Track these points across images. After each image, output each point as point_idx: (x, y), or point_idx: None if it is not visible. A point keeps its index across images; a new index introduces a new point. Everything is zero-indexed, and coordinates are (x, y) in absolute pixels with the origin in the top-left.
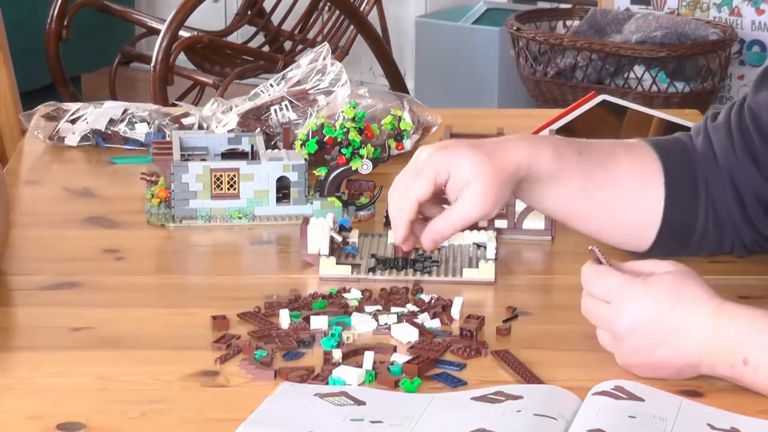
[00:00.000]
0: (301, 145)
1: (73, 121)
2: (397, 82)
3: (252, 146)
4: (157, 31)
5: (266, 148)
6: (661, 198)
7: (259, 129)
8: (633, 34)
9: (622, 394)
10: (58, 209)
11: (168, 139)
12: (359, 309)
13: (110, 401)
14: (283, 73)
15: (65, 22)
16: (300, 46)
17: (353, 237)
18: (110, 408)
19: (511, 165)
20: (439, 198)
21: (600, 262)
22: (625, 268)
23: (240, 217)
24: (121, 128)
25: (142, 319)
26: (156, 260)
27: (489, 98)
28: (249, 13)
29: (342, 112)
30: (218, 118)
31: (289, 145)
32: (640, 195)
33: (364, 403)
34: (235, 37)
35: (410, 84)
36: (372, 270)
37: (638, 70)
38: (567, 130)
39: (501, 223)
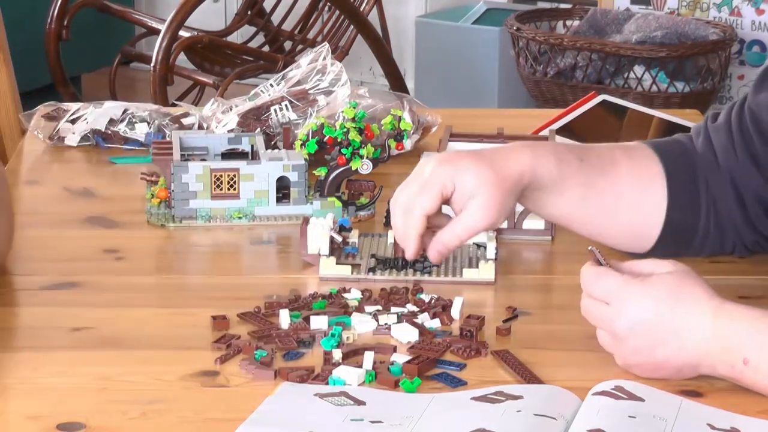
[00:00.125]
0: (301, 145)
1: (73, 121)
2: (397, 82)
3: (252, 146)
4: (157, 31)
5: (266, 148)
6: (663, 201)
7: (259, 129)
8: (633, 34)
9: (622, 394)
10: (58, 209)
11: (168, 139)
12: (359, 309)
13: (110, 401)
14: (283, 73)
15: (65, 22)
16: (300, 46)
17: (353, 237)
18: (110, 408)
19: (514, 174)
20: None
21: (599, 263)
22: (624, 268)
23: (240, 217)
24: (121, 128)
25: (142, 319)
26: (156, 260)
27: (489, 98)
28: (249, 13)
29: (342, 112)
30: (218, 118)
31: (289, 145)
32: (642, 198)
33: (364, 403)
34: (235, 37)
35: (410, 84)
36: (372, 270)
37: (638, 70)
38: (567, 130)
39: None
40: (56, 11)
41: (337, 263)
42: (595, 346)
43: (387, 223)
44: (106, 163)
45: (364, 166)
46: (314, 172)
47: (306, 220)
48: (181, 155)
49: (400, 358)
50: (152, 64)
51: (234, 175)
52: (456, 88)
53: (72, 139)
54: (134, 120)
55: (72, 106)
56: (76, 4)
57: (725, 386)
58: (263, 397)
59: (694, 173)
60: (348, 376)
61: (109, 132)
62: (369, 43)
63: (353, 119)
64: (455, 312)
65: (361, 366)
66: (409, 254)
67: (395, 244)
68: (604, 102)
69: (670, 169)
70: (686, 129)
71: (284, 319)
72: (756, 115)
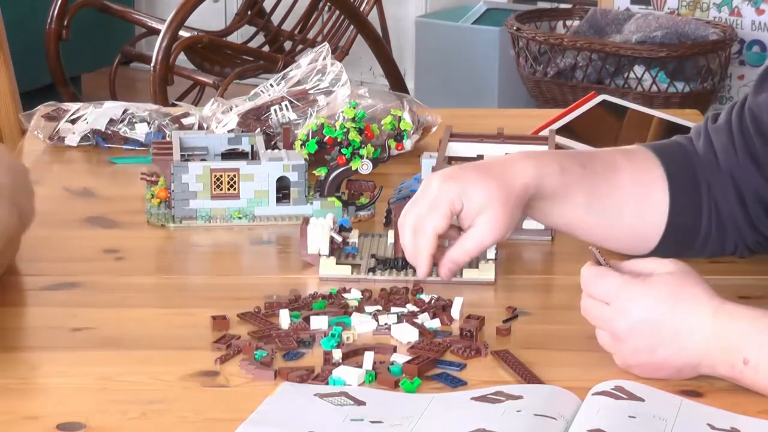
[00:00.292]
0: (301, 145)
1: (73, 121)
2: (397, 82)
3: (252, 146)
4: (157, 31)
5: (266, 148)
6: (665, 204)
7: (259, 129)
8: (633, 34)
9: (622, 394)
10: (58, 209)
11: (168, 139)
12: (359, 309)
13: (110, 401)
14: (283, 73)
15: (65, 22)
16: (300, 46)
17: (353, 237)
18: (110, 408)
19: (520, 187)
20: None
21: (599, 263)
22: (624, 268)
23: (240, 217)
24: (121, 128)
25: (142, 319)
26: (156, 260)
27: (489, 98)
28: (249, 13)
29: (342, 112)
30: (218, 118)
31: (289, 145)
32: (644, 202)
33: (364, 403)
34: (235, 37)
35: (410, 84)
36: (372, 270)
37: (638, 70)
38: (567, 130)
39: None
40: (56, 11)
41: (337, 263)
42: (595, 346)
43: (387, 224)
44: (106, 163)
45: (364, 166)
46: (314, 172)
47: (306, 220)
48: (181, 155)
49: (400, 358)
50: (152, 64)
51: (234, 175)
52: (456, 88)
53: (72, 139)
54: (134, 120)
55: (72, 106)
56: (76, 4)
57: (725, 386)
58: (263, 397)
59: (694, 175)
60: (348, 376)
61: (109, 132)
62: (369, 43)
63: (353, 119)
64: (455, 312)
65: (361, 366)
66: (422, 274)
67: (395, 244)
68: (604, 102)
69: (671, 172)
70: (686, 129)
71: (284, 319)
72: (756, 116)
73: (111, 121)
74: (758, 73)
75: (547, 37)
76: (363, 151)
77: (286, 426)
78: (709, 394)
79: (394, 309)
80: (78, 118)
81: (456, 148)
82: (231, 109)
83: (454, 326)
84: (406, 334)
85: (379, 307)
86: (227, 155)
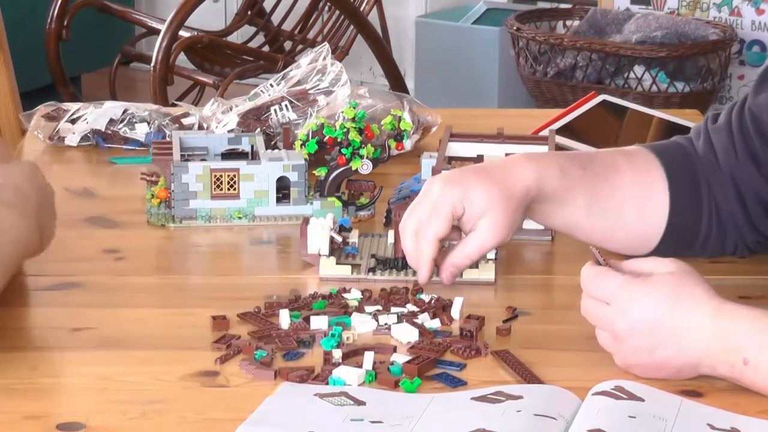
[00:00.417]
0: (301, 145)
1: (73, 121)
2: (397, 82)
3: (252, 146)
4: (157, 31)
5: (266, 148)
6: (665, 205)
7: (259, 129)
8: (633, 34)
9: (622, 394)
10: (58, 209)
11: (168, 139)
12: (359, 309)
13: (110, 401)
14: (283, 73)
15: (65, 22)
16: (300, 46)
17: (353, 237)
18: (110, 408)
19: (521, 190)
20: None
21: (599, 263)
22: (625, 267)
23: (240, 217)
24: (121, 128)
25: (142, 319)
26: (156, 260)
27: (489, 98)
28: (249, 13)
29: (342, 112)
30: (218, 118)
31: (289, 145)
32: (645, 204)
33: (364, 403)
34: (235, 37)
35: (410, 84)
36: (372, 270)
37: (638, 70)
38: (567, 130)
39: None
40: (56, 11)
41: (337, 263)
42: (595, 346)
43: (387, 224)
44: (106, 163)
45: (364, 166)
46: (314, 172)
47: (306, 220)
48: (181, 155)
49: (400, 358)
50: (152, 64)
51: (234, 175)
52: (456, 88)
53: (72, 139)
54: (134, 120)
55: (72, 106)
56: (76, 4)
57: (725, 386)
58: (263, 397)
59: (695, 176)
60: (348, 376)
61: (109, 132)
62: (369, 43)
63: (353, 119)
64: (455, 312)
65: (361, 366)
66: (423, 278)
67: (395, 244)
68: (604, 102)
69: (671, 173)
70: (686, 129)
71: (284, 319)
72: (756, 116)
73: (111, 121)
74: (758, 74)
75: (547, 37)
76: (363, 151)
77: (286, 426)
78: (709, 394)
79: (394, 309)
80: (78, 118)
81: (456, 148)
82: (231, 109)
83: (454, 326)
84: (406, 334)
85: (379, 307)
86: (227, 155)
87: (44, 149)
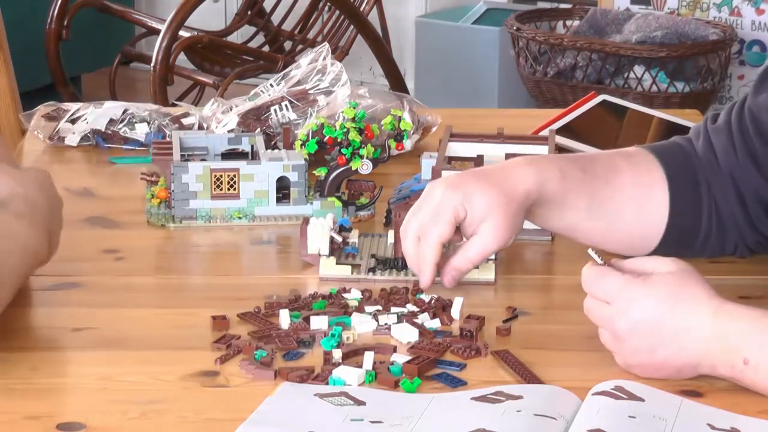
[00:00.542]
0: (301, 145)
1: (73, 121)
2: (397, 82)
3: (252, 146)
4: (157, 31)
5: (266, 148)
6: (665, 206)
7: (259, 129)
8: (633, 34)
9: (622, 394)
10: None
11: (168, 139)
12: (359, 309)
13: (110, 401)
14: (283, 73)
15: (65, 22)
16: (300, 46)
17: (353, 237)
18: (110, 408)
19: (521, 193)
20: None
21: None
22: (625, 267)
23: (240, 217)
24: (121, 128)
25: (142, 319)
26: (156, 260)
27: (489, 98)
28: (249, 13)
29: (342, 112)
30: (218, 118)
31: (289, 145)
32: (645, 205)
33: (364, 403)
34: (235, 37)
35: (410, 84)
36: (372, 270)
37: (638, 70)
38: (567, 130)
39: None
40: (56, 11)
41: (337, 263)
42: (595, 346)
43: (387, 224)
44: (106, 163)
45: (364, 166)
46: (314, 172)
47: (306, 220)
48: (181, 155)
49: (400, 358)
50: (152, 64)
51: (234, 175)
52: (456, 88)
53: (72, 139)
54: (134, 120)
55: (72, 106)
56: (76, 4)
57: (725, 386)
58: (263, 397)
59: (694, 176)
60: (348, 376)
61: (109, 132)
62: (369, 43)
63: (353, 119)
64: (455, 312)
65: (361, 366)
66: (426, 283)
67: (395, 244)
68: (604, 102)
69: (671, 174)
70: (686, 129)
71: (284, 319)
72: (756, 117)
73: (111, 121)
74: (758, 74)
75: (547, 37)
76: (363, 151)
77: (286, 426)
78: (709, 394)
79: (394, 309)
80: (78, 118)
81: (456, 148)
82: (231, 109)
83: (454, 326)
84: (406, 334)
85: (379, 307)
86: (227, 155)
87: (44, 149)
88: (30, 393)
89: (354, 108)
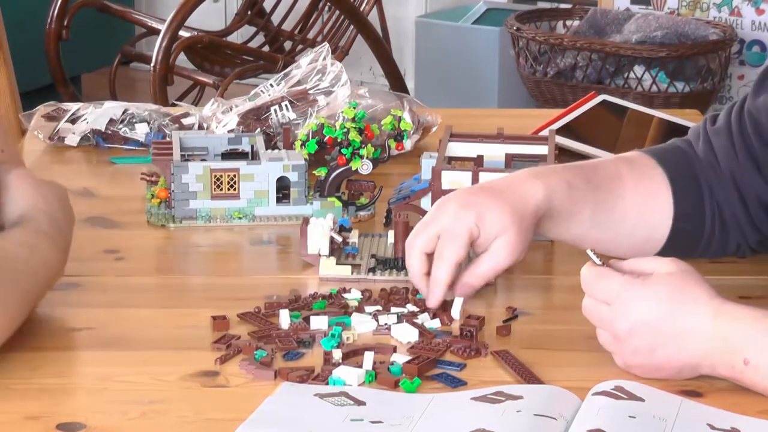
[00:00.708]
0: (301, 146)
1: (73, 121)
2: (397, 82)
3: (252, 146)
4: (157, 31)
5: (266, 149)
6: (669, 210)
7: (259, 129)
8: (633, 34)
9: (622, 394)
10: None
11: (168, 139)
12: (359, 309)
13: (110, 401)
14: (283, 73)
15: (65, 22)
16: (300, 46)
17: (353, 237)
18: (110, 408)
19: (531, 209)
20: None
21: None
22: (625, 267)
23: (240, 218)
24: (121, 128)
25: (142, 319)
26: (156, 260)
27: (489, 98)
28: (249, 13)
29: (342, 112)
30: (218, 118)
31: (289, 145)
32: (648, 210)
33: (364, 403)
34: (235, 37)
35: (410, 84)
36: (372, 270)
37: (638, 70)
38: (567, 130)
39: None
40: (56, 11)
41: (337, 263)
42: (595, 346)
43: (387, 224)
44: (106, 163)
45: (364, 166)
46: (314, 172)
47: (306, 221)
48: (181, 155)
49: (400, 358)
50: (152, 64)
51: (234, 176)
52: (456, 88)
53: (72, 139)
54: (134, 120)
55: (72, 106)
56: (76, 4)
57: (725, 386)
58: (263, 397)
59: (696, 179)
60: (348, 376)
61: (109, 132)
62: (369, 43)
63: (353, 119)
64: (455, 312)
65: (361, 366)
66: (435, 302)
67: (395, 244)
68: (604, 102)
69: (673, 178)
70: (686, 129)
71: (284, 319)
72: (755, 118)
73: (111, 121)
74: (757, 74)
75: (547, 37)
76: (363, 151)
77: (286, 426)
78: (709, 394)
79: (394, 309)
80: (78, 118)
81: (456, 148)
82: (231, 109)
83: (454, 326)
84: (406, 334)
85: (379, 307)
86: (227, 155)
87: (44, 149)
88: (30, 393)
89: (354, 108)
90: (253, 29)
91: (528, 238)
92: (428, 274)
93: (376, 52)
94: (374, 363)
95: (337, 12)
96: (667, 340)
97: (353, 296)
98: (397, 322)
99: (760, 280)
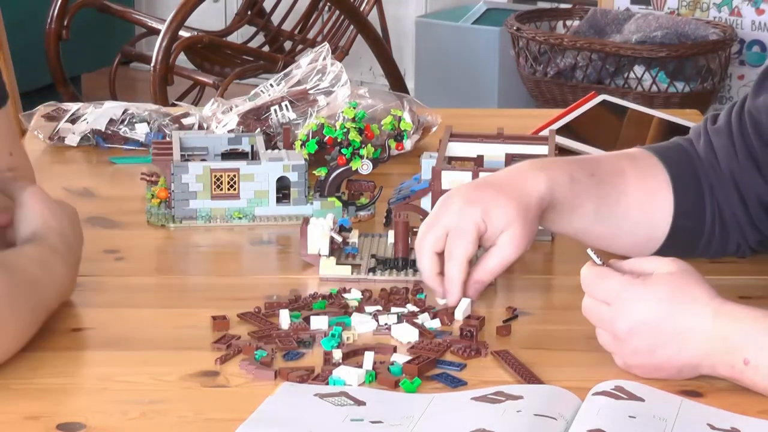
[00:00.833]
0: (301, 146)
1: (73, 121)
2: (397, 82)
3: (252, 146)
4: (157, 31)
5: (266, 149)
6: (669, 207)
7: (259, 129)
8: (633, 34)
9: (622, 394)
10: None
11: (168, 139)
12: (359, 309)
13: (110, 401)
14: (283, 73)
15: (65, 22)
16: (300, 46)
17: (353, 237)
18: (110, 408)
19: (536, 201)
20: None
21: (597, 265)
22: (625, 267)
23: (240, 218)
24: (121, 128)
25: (143, 319)
26: (156, 260)
27: (489, 98)
28: (249, 13)
29: (342, 112)
30: (218, 118)
31: (289, 145)
32: (650, 207)
33: (364, 403)
34: (235, 37)
35: (410, 84)
36: (372, 270)
37: (638, 70)
38: (567, 130)
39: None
40: (56, 11)
41: (337, 263)
42: (595, 346)
43: (387, 224)
44: (106, 163)
45: (364, 166)
46: (314, 172)
47: (306, 221)
48: (181, 155)
49: (400, 358)
50: (152, 64)
51: (234, 176)
52: (456, 88)
53: (72, 139)
54: (134, 120)
55: (72, 106)
56: (76, 4)
57: (725, 386)
58: (263, 397)
59: (697, 178)
60: (348, 376)
61: (109, 132)
62: (369, 43)
63: (353, 119)
64: (459, 313)
65: (361, 366)
66: (454, 301)
67: (395, 244)
68: (604, 102)
69: (674, 176)
70: (686, 129)
71: (284, 319)
72: (755, 119)
73: (111, 121)
74: (757, 74)
75: (547, 37)
76: (363, 151)
77: (286, 426)
78: (709, 394)
79: (394, 309)
80: (78, 118)
81: (456, 148)
82: (231, 109)
83: (454, 326)
84: (406, 334)
85: (379, 307)
86: (227, 155)
87: (44, 149)
88: (30, 393)
89: (354, 108)
90: (253, 29)
91: (533, 230)
92: (441, 273)
93: (376, 52)
94: (374, 363)
95: (337, 12)
96: (667, 340)
97: (353, 296)
98: (397, 322)
99: (760, 280)
